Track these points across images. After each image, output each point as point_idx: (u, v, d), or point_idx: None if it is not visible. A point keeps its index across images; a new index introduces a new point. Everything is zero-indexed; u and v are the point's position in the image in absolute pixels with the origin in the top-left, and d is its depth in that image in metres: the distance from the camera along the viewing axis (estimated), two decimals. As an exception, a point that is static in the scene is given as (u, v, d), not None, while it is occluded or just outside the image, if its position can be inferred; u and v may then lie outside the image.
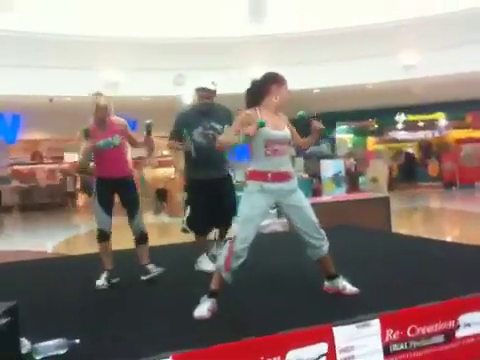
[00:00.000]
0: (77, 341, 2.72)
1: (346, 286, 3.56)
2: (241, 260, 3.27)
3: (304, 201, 3.49)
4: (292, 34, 12.57)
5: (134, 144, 4.48)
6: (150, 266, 4.36)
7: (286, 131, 3.44)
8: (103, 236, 4.32)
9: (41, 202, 18.42)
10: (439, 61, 12.57)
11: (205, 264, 4.55)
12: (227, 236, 4.60)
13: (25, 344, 2.63)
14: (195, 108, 4.66)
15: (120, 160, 4.36)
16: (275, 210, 5.07)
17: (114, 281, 4.25)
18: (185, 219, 4.63)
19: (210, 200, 4.51)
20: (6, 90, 12.36)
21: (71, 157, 19.17)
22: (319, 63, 13.01)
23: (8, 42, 11.40)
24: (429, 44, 12.57)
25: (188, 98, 12.01)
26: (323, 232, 3.50)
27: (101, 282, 4.19)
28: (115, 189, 4.35)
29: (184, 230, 4.68)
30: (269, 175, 3.34)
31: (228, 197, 4.66)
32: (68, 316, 3.38)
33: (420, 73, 12.98)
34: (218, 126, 4.50)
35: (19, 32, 11.36)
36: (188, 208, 4.63)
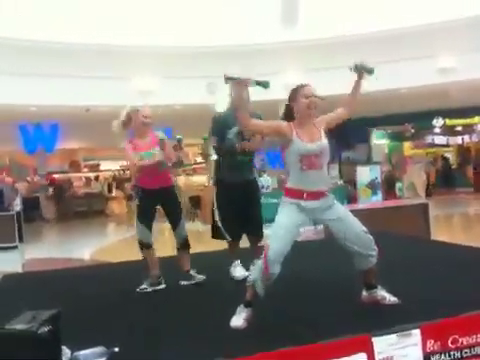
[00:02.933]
0: (116, 349, 2.74)
1: (385, 296, 3.49)
2: (275, 275, 3.22)
3: (344, 212, 3.41)
4: (325, 39, 12.50)
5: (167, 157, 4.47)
6: (192, 272, 4.43)
7: (321, 142, 3.34)
8: (144, 246, 4.40)
9: (78, 210, 18.76)
10: (477, 64, 12.29)
11: (237, 271, 4.55)
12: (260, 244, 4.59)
13: (66, 352, 2.67)
14: (229, 111, 4.64)
15: (160, 173, 4.39)
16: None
17: (159, 288, 4.32)
18: (219, 224, 4.58)
19: (241, 203, 4.51)
20: (44, 100, 12.69)
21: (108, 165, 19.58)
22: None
23: (45, 53, 11.70)
24: (466, 46, 12.33)
25: (221, 105, 12.07)
26: (372, 240, 3.42)
27: (145, 286, 4.30)
28: (158, 200, 4.41)
29: (215, 237, 4.68)
30: (304, 195, 3.29)
31: (257, 202, 4.68)
32: (107, 324, 3.43)
33: (457, 76, 12.73)
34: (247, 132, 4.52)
35: (55, 43, 11.64)
36: (217, 214, 4.61)
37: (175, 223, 4.44)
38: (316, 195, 3.32)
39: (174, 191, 4.52)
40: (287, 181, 3.41)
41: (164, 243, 4.61)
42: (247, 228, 4.61)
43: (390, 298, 3.47)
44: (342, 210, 3.43)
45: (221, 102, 4.53)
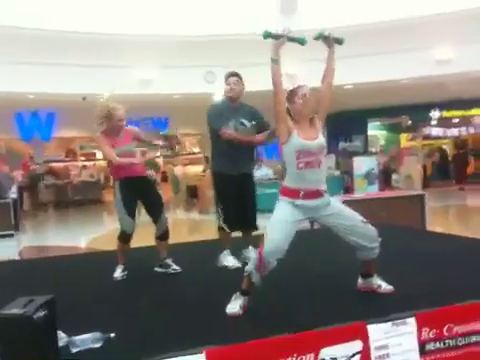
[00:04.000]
0: (112, 335, 2.75)
1: (381, 285, 3.50)
2: (271, 266, 3.22)
3: (340, 207, 3.39)
4: (324, 29, 12.45)
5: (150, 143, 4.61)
6: (169, 261, 4.47)
7: (319, 140, 3.33)
8: (125, 238, 4.42)
9: (75, 199, 18.73)
10: (474, 55, 12.26)
11: (227, 260, 4.57)
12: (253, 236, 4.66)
13: (62, 337, 2.68)
14: (224, 104, 4.66)
15: (136, 166, 4.43)
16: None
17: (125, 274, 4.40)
18: (222, 218, 4.62)
19: (237, 195, 4.54)
20: (40, 88, 12.62)
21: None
22: (351, 59, 12.79)
23: (42, 40, 11.62)
24: (463, 38, 12.29)
25: (219, 95, 12.04)
26: (375, 231, 3.41)
27: (119, 274, 4.35)
28: (137, 189, 4.40)
29: (221, 228, 4.67)
30: (301, 194, 3.27)
31: (253, 195, 4.71)
32: (102, 310, 3.43)
33: (454, 68, 12.70)
34: (246, 122, 4.52)
35: (52, 31, 11.57)
36: (220, 205, 4.64)
37: (156, 216, 4.44)
38: (313, 194, 3.29)
39: (151, 182, 4.55)
40: (284, 180, 3.39)
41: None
42: (242, 221, 4.64)
43: (385, 286, 3.49)
44: (338, 205, 3.41)
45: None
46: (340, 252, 3.64)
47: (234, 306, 3.20)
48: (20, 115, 16.04)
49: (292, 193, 3.29)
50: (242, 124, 4.51)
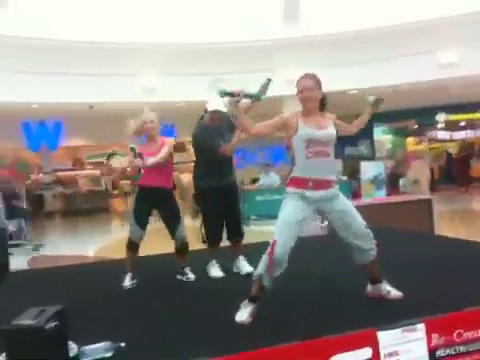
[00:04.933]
0: (122, 344, 2.76)
1: (390, 291, 3.49)
2: (281, 268, 3.23)
3: (348, 205, 3.41)
4: (327, 36, 12.50)
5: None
6: (186, 270, 4.50)
7: (329, 130, 3.34)
8: (131, 246, 4.44)
9: (83, 207, 18.79)
10: (478, 59, 12.25)
11: (210, 270, 4.59)
12: (243, 246, 4.74)
13: (72, 347, 2.69)
14: (208, 128, 4.56)
15: (163, 172, 4.44)
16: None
17: (134, 283, 4.40)
18: (205, 235, 4.74)
19: (220, 208, 4.58)
20: (47, 98, 12.71)
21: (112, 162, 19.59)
22: (355, 64, 12.88)
23: (48, 50, 11.73)
24: (467, 42, 12.30)
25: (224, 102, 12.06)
26: (371, 234, 3.43)
27: (128, 283, 4.35)
28: (154, 200, 4.42)
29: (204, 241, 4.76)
30: (310, 183, 3.28)
31: (236, 205, 4.75)
32: (112, 319, 3.44)
33: (458, 72, 12.68)
34: (229, 136, 4.50)
35: (58, 40, 11.68)
36: (207, 222, 4.72)
37: (174, 228, 4.45)
38: (322, 184, 3.31)
39: (172, 195, 4.54)
40: (292, 171, 3.40)
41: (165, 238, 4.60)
42: (227, 231, 4.70)
43: (395, 293, 3.48)
44: (346, 203, 3.43)
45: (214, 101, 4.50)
46: (347, 259, 3.62)
47: (243, 314, 3.20)
48: (27, 124, 16.13)
49: (301, 183, 3.30)
50: (227, 140, 4.43)
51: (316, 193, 3.30)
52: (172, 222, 4.47)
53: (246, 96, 3.43)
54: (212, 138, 4.44)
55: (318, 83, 3.39)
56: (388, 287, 3.51)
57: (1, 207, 6.19)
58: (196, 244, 5.98)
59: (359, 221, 3.39)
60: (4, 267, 5.90)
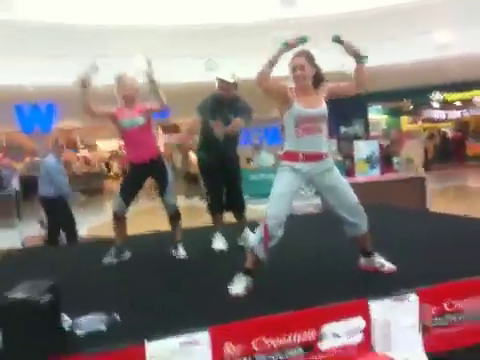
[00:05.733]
0: (117, 317, 2.77)
1: (384, 263, 3.52)
2: (276, 239, 3.25)
3: (341, 180, 3.43)
4: (324, 16, 12.41)
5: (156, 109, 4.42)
6: (179, 246, 4.45)
7: (320, 108, 3.35)
8: (115, 218, 4.44)
9: (77, 188, 18.75)
10: (473, 38, 12.21)
11: (213, 242, 4.65)
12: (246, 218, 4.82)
13: (66, 319, 2.70)
14: (215, 97, 4.65)
15: (146, 143, 4.37)
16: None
17: (123, 256, 4.42)
18: (207, 205, 4.82)
19: (221, 181, 4.67)
20: (40, 80, 12.59)
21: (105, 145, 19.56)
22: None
23: (41, 33, 11.60)
24: (463, 22, 12.22)
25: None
26: (362, 210, 3.44)
27: (106, 260, 4.34)
28: (145, 173, 4.42)
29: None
30: (300, 155, 3.32)
31: (237, 179, 4.80)
32: (106, 295, 3.44)
33: (455, 51, 12.63)
34: (231, 118, 4.54)
35: (51, 23, 11.54)
36: (207, 192, 4.80)
37: (162, 189, 4.42)
38: (313, 157, 3.34)
39: (162, 160, 4.46)
40: (284, 146, 3.43)
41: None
42: (229, 206, 4.77)
43: (388, 265, 3.50)
44: (339, 178, 3.44)
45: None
46: (340, 235, 3.63)
47: (238, 286, 3.21)
48: (20, 108, 16.03)
49: (292, 156, 3.34)
50: (228, 120, 4.54)
51: (307, 165, 3.33)
52: (160, 188, 4.45)
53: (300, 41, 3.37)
54: (210, 111, 4.51)
55: (310, 60, 3.37)
56: (381, 260, 3.53)
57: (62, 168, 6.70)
58: (189, 222, 6.01)
59: (351, 196, 3.41)
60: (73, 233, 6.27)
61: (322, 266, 3.74)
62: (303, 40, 3.31)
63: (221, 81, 4.56)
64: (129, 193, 4.41)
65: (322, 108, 3.37)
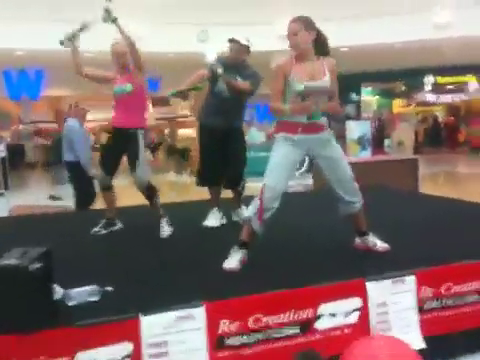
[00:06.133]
0: (109, 289, 2.70)
1: (377, 243, 3.48)
2: (272, 211, 3.18)
3: (338, 153, 3.35)
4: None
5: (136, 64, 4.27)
6: (162, 222, 4.28)
7: (324, 80, 3.21)
8: (102, 188, 4.38)
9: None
10: (473, 19, 12.06)
11: (208, 219, 4.53)
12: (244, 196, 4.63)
13: (57, 290, 2.62)
14: (223, 60, 4.50)
15: (131, 111, 4.23)
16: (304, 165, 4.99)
17: (113, 228, 4.38)
18: (196, 171, 4.64)
19: (222, 151, 4.46)
20: (28, 44, 12.28)
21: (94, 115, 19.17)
22: (347, 20, 12.59)
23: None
24: (463, 2, 12.06)
25: (212, 55, 11.81)
26: (357, 188, 3.39)
27: (95, 230, 4.31)
28: (122, 141, 4.23)
29: (197, 183, 4.66)
30: (299, 128, 3.20)
31: (239, 151, 4.59)
32: (99, 266, 3.38)
33: (452, 32, 12.49)
34: (238, 78, 4.40)
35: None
36: (201, 158, 4.63)
37: (132, 163, 4.21)
38: (312, 128, 3.23)
39: (136, 135, 4.21)
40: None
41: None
42: (226, 176, 4.58)
43: (382, 244, 3.47)
44: (338, 151, 3.36)
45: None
46: (335, 213, 3.57)
47: (232, 261, 3.15)
48: (8, 73, 15.66)
49: (291, 127, 3.23)
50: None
51: (306, 136, 3.22)
52: (129, 162, 4.25)
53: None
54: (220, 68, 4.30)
55: (306, 25, 3.20)
56: (375, 239, 3.49)
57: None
58: (178, 198, 5.93)
59: (347, 172, 3.34)
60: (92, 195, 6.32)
61: (318, 245, 3.68)
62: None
63: (234, 43, 4.39)
64: (109, 161, 4.30)
65: (324, 80, 3.22)
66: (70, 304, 2.59)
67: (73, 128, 6.39)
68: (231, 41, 4.42)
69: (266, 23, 12.13)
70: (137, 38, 11.84)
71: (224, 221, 4.58)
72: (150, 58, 12.52)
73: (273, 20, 11.83)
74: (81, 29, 4.26)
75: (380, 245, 3.47)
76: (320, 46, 3.29)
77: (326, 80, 3.22)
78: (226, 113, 4.39)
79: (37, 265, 2.36)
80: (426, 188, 8.08)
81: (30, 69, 15.51)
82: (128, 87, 4.21)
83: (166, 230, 4.22)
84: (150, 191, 4.28)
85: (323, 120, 3.31)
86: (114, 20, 4.09)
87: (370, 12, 12.47)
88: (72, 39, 4.25)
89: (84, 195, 6.51)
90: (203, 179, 4.60)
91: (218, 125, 4.40)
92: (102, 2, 11.81)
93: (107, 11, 4.12)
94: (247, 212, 3.31)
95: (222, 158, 4.48)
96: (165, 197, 5.88)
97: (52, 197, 9.40)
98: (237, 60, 4.43)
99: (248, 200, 4.44)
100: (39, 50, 12.59)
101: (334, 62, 3.32)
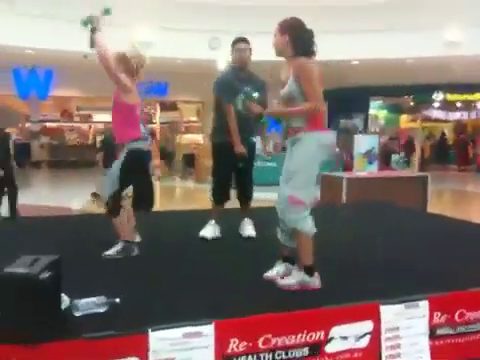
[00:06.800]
0: (117, 300, 2.65)
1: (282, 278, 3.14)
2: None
3: (293, 163, 3.03)
4: (333, 1, 12.20)
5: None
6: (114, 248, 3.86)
7: (285, 88, 3.02)
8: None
9: (70, 159, 18.57)
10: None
11: (206, 230, 4.43)
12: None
13: (64, 299, 2.57)
14: (233, 73, 4.41)
15: (114, 124, 3.91)
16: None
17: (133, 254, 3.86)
18: (211, 191, 4.51)
19: (235, 167, 4.40)
20: (40, 43, 12.28)
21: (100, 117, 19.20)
22: (359, 34, 12.60)
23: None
24: (474, 21, 12.05)
25: (223, 63, 11.80)
26: (291, 215, 2.99)
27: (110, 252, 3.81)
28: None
29: (217, 202, 4.54)
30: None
31: (251, 166, 4.56)
32: (107, 275, 3.31)
33: (463, 51, 12.46)
34: (255, 94, 4.32)
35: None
36: (215, 177, 4.55)
37: None
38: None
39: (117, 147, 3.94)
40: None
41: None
42: (241, 191, 4.55)
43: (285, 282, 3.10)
44: (294, 159, 3.04)
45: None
46: (354, 230, 3.52)
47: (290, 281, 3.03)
48: (18, 71, 15.69)
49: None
50: (251, 97, 4.30)
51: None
52: None
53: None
54: (226, 91, 4.23)
55: (280, 27, 3.06)
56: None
57: None
58: (183, 204, 5.86)
59: (287, 186, 3.02)
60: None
61: (332, 264, 3.55)
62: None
63: (242, 42, 4.35)
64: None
65: (286, 88, 3.01)
66: (77, 315, 2.54)
67: None
68: (239, 41, 4.37)
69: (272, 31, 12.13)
70: (147, 43, 11.97)
71: (219, 235, 4.44)
72: (158, 63, 12.57)
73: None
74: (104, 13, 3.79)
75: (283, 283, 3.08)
76: (296, 49, 3.04)
77: (286, 88, 3.04)
78: (243, 131, 4.32)
79: (47, 274, 2.31)
80: (433, 206, 7.99)
81: (40, 69, 15.54)
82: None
83: (111, 252, 3.79)
84: (108, 207, 3.83)
85: (295, 124, 3.06)
86: (93, 30, 3.67)
87: (381, 27, 12.46)
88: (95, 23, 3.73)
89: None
90: (221, 197, 4.48)
91: (229, 142, 4.31)
92: (117, 6, 11.82)
93: (90, 19, 3.75)
94: (297, 224, 3.02)
95: (236, 174, 4.47)
96: (170, 203, 5.87)
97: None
98: (246, 64, 4.39)
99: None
100: (49, 49, 12.60)
101: (300, 61, 3.01)
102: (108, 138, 7.86)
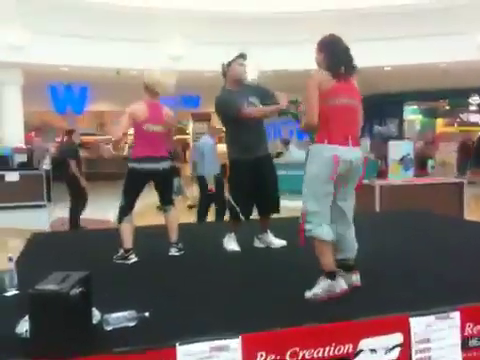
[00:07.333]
0: (147, 314, 2.69)
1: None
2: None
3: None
4: (364, 9, 12.14)
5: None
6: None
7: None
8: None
9: (105, 172, 18.88)
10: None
11: (230, 243, 4.44)
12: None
13: (95, 314, 2.63)
14: (231, 92, 4.37)
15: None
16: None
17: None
18: (239, 210, 4.37)
19: (255, 181, 4.33)
20: (75, 61, 12.65)
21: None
22: (392, 40, 12.50)
23: (77, 13, 11.64)
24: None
25: (251, 74, 11.86)
26: None
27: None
28: None
29: (246, 218, 4.45)
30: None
31: (273, 179, 4.48)
32: (137, 289, 3.36)
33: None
34: (256, 101, 4.33)
35: (89, 3, 11.57)
36: (238, 196, 4.41)
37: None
38: None
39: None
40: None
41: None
42: (261, 207, 4.48)
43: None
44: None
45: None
46: (378, 240, 3.49)
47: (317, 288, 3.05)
48: (54, 88, 16.14)
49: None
50: (252, 104, 4.31)
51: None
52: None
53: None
54: (231, 102, 4.21)
55: (318, 46, 3.24)
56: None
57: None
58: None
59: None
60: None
61: (363, 274, 3.54)
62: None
63: (244, 58, 4.43)
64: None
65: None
66: (107, 329, 2.59)
67: (207, 143, 7.26)
68: (241, 57, 4.44)
69: (310, 42, 12.13)
70: (177, 57, 12.17)
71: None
72: (188, 76, 12.70)
73: (313, 40, 11.82)
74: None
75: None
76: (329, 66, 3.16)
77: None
78: (258, 142, 4.36)
79: (77, 291, 2.37)
80: (472, 212, 7.80)
81: (75, 85, 15.96)
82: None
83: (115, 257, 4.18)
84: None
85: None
86: None
87: (414, 33, 12.33)
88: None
89: (204, 207, 7.26)
90: (246, 213, 4.40)
91: (249, 156, 4.29)
92: (148, 21, 12.12)
93: None
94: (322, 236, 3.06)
95: (256, 188, 4.36)
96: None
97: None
98: (244, 79, 4.44)
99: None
100: (84, 66, 12.95)
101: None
102: None
